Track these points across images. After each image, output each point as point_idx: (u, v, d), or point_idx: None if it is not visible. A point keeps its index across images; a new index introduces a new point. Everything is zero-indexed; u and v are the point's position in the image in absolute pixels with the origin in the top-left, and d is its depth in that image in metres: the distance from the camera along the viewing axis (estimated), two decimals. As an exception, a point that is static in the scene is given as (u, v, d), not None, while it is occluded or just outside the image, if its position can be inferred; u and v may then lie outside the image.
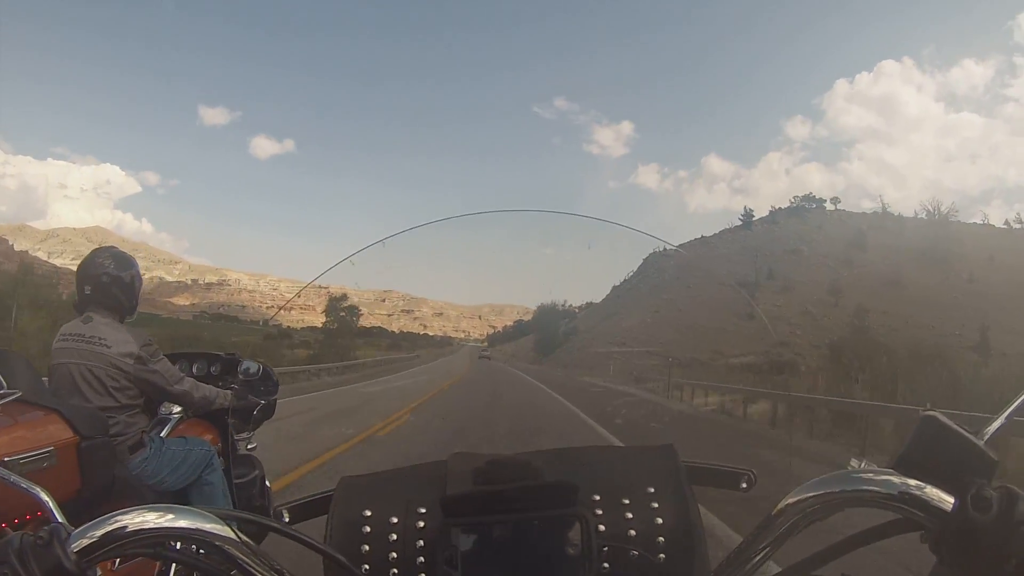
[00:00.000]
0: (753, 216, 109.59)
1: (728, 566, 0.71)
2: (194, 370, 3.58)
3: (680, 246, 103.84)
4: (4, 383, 2.35)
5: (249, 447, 3.66)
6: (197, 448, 3.00)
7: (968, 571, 0.57)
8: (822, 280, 79.01)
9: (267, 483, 3.65)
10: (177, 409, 3.17)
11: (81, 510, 1.79)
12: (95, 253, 2.93)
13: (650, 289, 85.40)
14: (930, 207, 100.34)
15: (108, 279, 2.86)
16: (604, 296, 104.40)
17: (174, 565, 2.58)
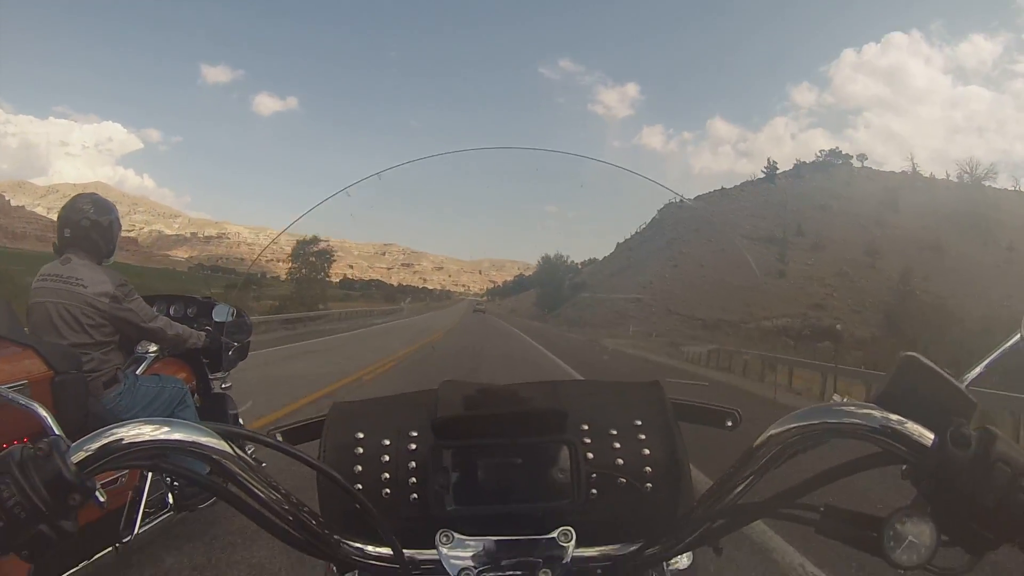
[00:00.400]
0: (777, 169, 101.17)
1: (711, 495, 0.73)
2: (171, 312, 3.76)
3: (698, 197, 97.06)
4: None
5: (224, 386, 3.81)
6: (170, 385, 3.24)
7: (946, 504, 0.59)
8: (855, 240, 70.81)
9: (240, 421, 3.77)
10: (153, 348, 3.33)
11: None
12: (76, 199, 3.07)
13: (666, 242, 75.80)
14: (967, 168, 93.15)
15: (88, 223, 2.99)
16: (609, 253, 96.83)
17: (148, 482, 2.94)
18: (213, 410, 3.64)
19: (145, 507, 3.00)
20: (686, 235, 73.50)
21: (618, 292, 62.29)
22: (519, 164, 1.37)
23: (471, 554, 0.76)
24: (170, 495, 3.22)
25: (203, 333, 3.47)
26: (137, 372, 3.19)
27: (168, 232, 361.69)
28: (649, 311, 53.33)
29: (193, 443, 0.66)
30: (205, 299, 3.90)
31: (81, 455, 0.62)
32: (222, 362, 3.78)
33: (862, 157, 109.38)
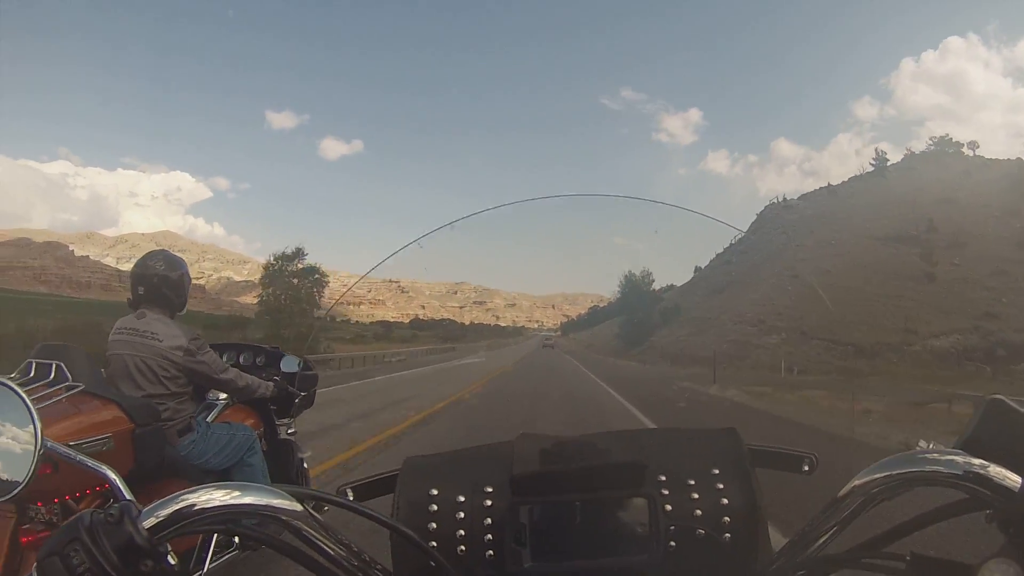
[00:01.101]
0: (887, 160, 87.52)
1: (793, 547, 0.72)
2: (240, 360, 3.92)
3: (803, 196, 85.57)
4: (69, 375, 2.61)
5: (289, 432, 3.92)
6: (240, 432, 3.27)
7: None
8: (997, 234, 57.36)
9: (305, 466, 3.99)
10: (223, 396, 3.41)
11: (134, 488, 1.81)
12: (147, 256, 3.18)
13: (775, 251, 62.90)
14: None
15: (158, 279, 3.09)
16: (688, 280, 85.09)
17: (213, 545, 2.93)
18: (279, 456, 3.70)
19: (215, 546, 2.99)
20: (797, 240, 60.62)
21: (727, 317, 49.32)
22: (587, 202, 1.31)
23: None
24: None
25: (271, 383, 3.53)
26: (208, 419, 3.28)
27: (237, 278, 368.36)
28: (778, 336, 41.67)
29: (265, 506, 0.65)
30: (273, 348, 4.09)
31: (152, 520, 0.61)
32: (289, 410, 3.85)
33: (973, 145, 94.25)
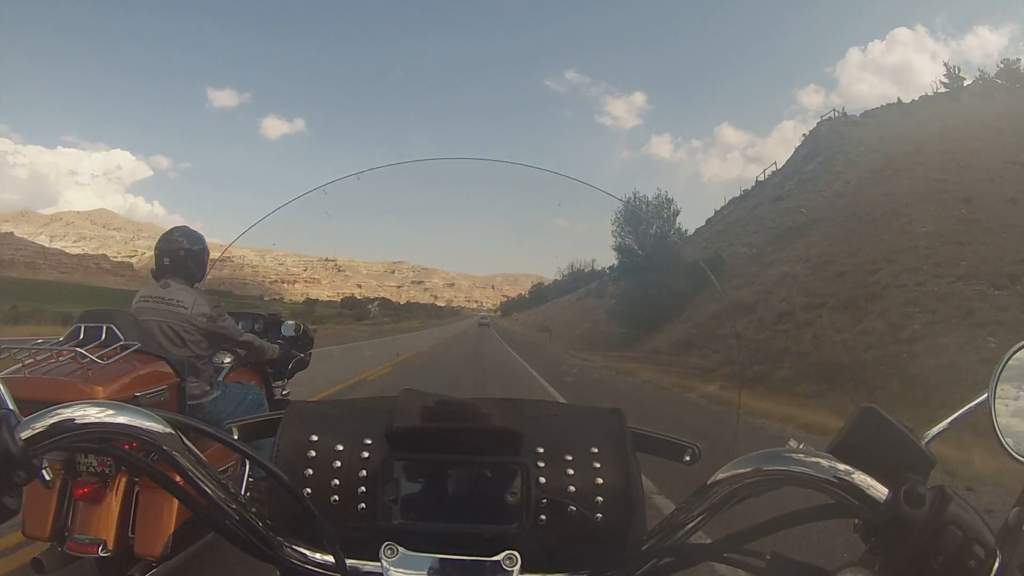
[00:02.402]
0: (963, 80, 63.22)
1: (661, 531, 0.74)
2: (240, 327, 3.94)
3: (866, 113, 63.32)
4: (121, 336, 2.88)
5: (284, 393, 4.24)
6: (251, 391, 3.69)
7: (895, 562, 0.59)
8: None
9: None
10: (228, 359, 3.72)
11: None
12: (170, 232, 3.55)
13: (869, 176, 34.48)
14: None
15: (184, 252, 3.45)
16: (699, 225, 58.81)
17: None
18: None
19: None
20: (900, 158, 35.88)
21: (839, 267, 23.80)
22: (529, 182, 1.41)
23: (414, 570, 0.75)
24: None
25: (277, 346, 3.90)
26: (219, 379, 3.56)
27: None
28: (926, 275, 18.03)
29: (140, 428, 0.65)
30: (271, 316, 4.46)
31: (29, 432, 0.60)
32: (285, 372, 4.24)
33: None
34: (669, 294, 27.90)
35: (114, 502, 2.62)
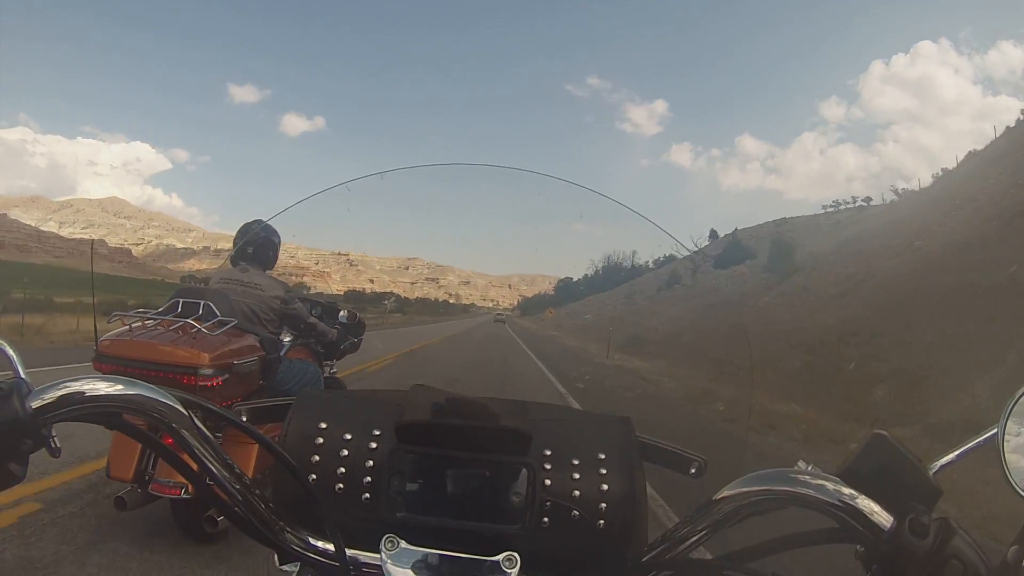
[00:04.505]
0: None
1: (663, 542, 0.73)
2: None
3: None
4: (218, 312, 3.29)
5: (332, 371, 4.55)
6: (310, 367, 4.01)
7: None
8: None
9: None
10: (288, 338, 4.03)
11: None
12: (250, 224, 3.92)
13: None
14: None
15: (267, 243, 3.92)
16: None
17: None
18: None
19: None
20: None
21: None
22: (546, 185, 1.42)
23: (413, 564, 0.75)
24: None
25: (335, 330, 4.27)
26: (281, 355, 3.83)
27: (179, 245, 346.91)
28: None
29: (150, 403, 0.65)
30: (329, 303, 4.76)
31: (39, 402, 0.60)
32: (335, 352, 4.45)
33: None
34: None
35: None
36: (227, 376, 3.13)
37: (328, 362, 4.45)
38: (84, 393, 0.62)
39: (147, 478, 3.00)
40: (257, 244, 3.87)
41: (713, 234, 58.67)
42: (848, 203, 55.89)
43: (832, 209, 58.27)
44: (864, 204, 52.67)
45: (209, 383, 3.05)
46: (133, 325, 3.24)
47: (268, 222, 3.64)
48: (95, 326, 3.36)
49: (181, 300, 3.36)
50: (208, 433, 0.70)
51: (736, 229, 60.86)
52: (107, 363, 3.10)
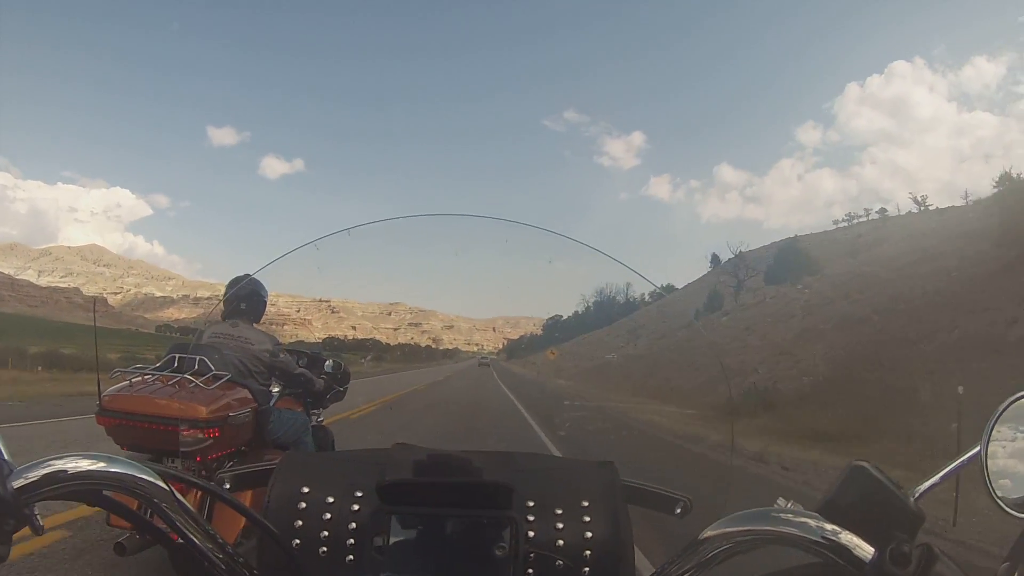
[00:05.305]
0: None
1: None
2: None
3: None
4: (212, 367, 3.42)
5: (319, 420, 4.67)
6: (300, 417, 4.13)
7: None
8: None
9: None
10: (276, 388, 4.11)
11: (246, 452, 3.59)
12: (242, 279, 3.96)
13: None
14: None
15: (256, 297, 4.07)
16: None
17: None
18: (317, 438, 4.29)
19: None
20: None
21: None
22: (513, 231, 1.42)
23: None
24: None
25: (322, 380, 4.37)
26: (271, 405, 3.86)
27: (159, 294, 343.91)
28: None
29: (131, 480, 0.65)
30: (314, 353, 4.83)
31: (21, 481, 0.60)
32: (322, 402, 4.59)
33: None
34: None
35: (193, 499, 2.74)
36: (222, 428, 3.27)
37: (315, 411, 4.59)
38: (67, 471, 0.62)
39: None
40: (249, 300, 4.03)
41: (715, 259, 58.30)
42: (860, 216, 56.86)
43: (845, 224, 59.17)
44: (877, 216, 53.65)
45: (206, 434, 3.20)
46: (133, 380, 3.38)
47: (254, 276, 3.66)
48: (98, 381, 3.52)
49: (177, 355, 3.52)
50: (189, 506, 0.69)
51: (796, 236, 60.56)
52: (109, 417, 3.28)
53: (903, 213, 51.92)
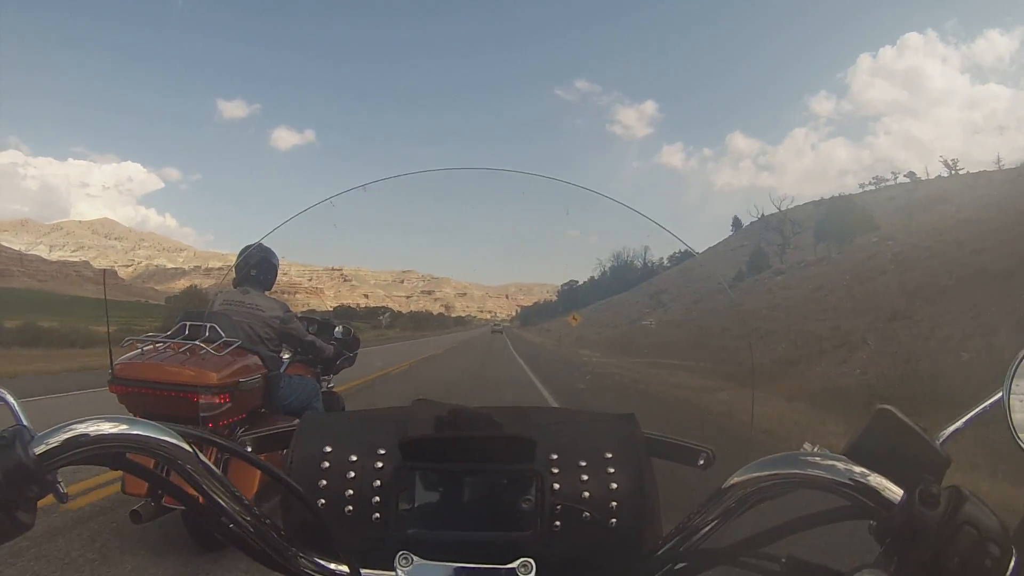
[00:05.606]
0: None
1: (676, 534, 0.74)
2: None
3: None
4: (223, 334, 3.44)
5: (329, 386, 4.70)
6: (309, 383, 4.17)
7: (910, 563, 0.58)
8: None
9: None
10: (287, 354, 4.26)
11: (255, 418, 3.61)
12: (255, 248, 3.97)
13: None
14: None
15: (267, 264, 4.12)
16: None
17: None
18: (328, 404, 4.34)
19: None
20: None
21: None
22: (539, 193, 1.39)
23: None
24: None
25: (331, 346, 4.43)
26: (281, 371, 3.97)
27: (170, 266, 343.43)
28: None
29: (154, 442, 0.65)
30: (324, 320, 4.88)
31: (43, 447, 0.60)
32: (332, 368, 4.61)
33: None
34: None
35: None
36: (233, 393, 3.32)
37: (325, 377, 4.62)
38: (88, 435, 0.61)
39: (159, 492, 3.14)
40: (260, 267, 4.11)
41: (736, 222, 55.74)
42: (888, 180, 55.38)
43: (872, 187, 57.36)
44: (907, 179, 52.01)
45: (216, 400, 3.23)
46: (145, 348, 3.44)
47: (261, 241, 3.84)
48: (110, 351, 3.48)
49: (188, 323, 3.57)
50: (214, 467, 0.69)
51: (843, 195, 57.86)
52: (121, 385, 3.31)
53: (932, 177, 49.37)
